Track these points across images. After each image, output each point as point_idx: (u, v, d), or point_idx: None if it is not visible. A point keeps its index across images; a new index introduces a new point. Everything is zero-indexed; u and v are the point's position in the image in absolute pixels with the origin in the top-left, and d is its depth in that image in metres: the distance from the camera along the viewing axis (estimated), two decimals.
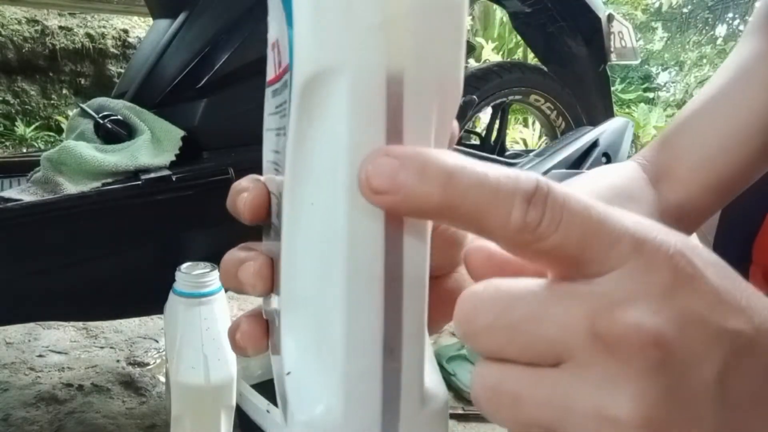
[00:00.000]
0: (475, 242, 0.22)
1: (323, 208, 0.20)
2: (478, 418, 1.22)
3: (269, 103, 0.26)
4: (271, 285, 0.26)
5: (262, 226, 0.29)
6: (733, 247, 0.62)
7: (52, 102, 3.38)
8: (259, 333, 0.28)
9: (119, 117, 0.93)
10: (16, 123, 3.23)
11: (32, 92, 3.33)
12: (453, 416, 1.21)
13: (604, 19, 1.58)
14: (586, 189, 0.46)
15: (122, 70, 3.36)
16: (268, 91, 0.27)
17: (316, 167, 0.20)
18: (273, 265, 0.26)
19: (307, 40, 0.19)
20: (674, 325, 0.18)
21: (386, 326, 0.20)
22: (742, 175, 0.48)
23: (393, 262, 0.20)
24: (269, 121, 0.27)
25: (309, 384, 0.21)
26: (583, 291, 0.19)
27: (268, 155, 0.27)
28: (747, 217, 0.60)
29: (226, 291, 0.87)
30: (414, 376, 0.21)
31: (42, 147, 3.15)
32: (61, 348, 1.36)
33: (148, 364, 1.32)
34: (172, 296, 0.84)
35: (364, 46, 0.18)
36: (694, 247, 0.20)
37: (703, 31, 6.08)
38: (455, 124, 0.24)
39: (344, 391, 0.20)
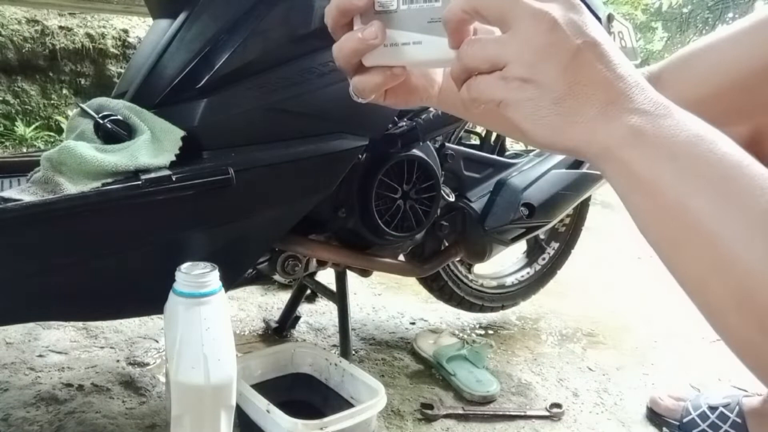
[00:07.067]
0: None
1: None
2: (478, 417, 1.22)
3: None
4: None
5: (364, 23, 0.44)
6: None
7: (52, 102, 3.38)
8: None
9: (119, 117, 0.93)
10: (16, 123, 3.22)
11: (32, 92, 3.33)
12: (453, 416, 1.21)
13: (604, 19, 1.57)
14: None
15: (122, 70, 3.36)
16: None
17: None
18: None
19: None
20: (563, 16, 0.37)
21: None
22: (723, 111, 0.51)
23: None
24: None
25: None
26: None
27: None
28: None
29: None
30: None
31: (42, 147, 3.15)
32: (61, 348, 1.36)
33: (148, 364, 1.32)
34: (172, 296, 0.84)
35: None
36: None
37: (703, 31, 6.07)
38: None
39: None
